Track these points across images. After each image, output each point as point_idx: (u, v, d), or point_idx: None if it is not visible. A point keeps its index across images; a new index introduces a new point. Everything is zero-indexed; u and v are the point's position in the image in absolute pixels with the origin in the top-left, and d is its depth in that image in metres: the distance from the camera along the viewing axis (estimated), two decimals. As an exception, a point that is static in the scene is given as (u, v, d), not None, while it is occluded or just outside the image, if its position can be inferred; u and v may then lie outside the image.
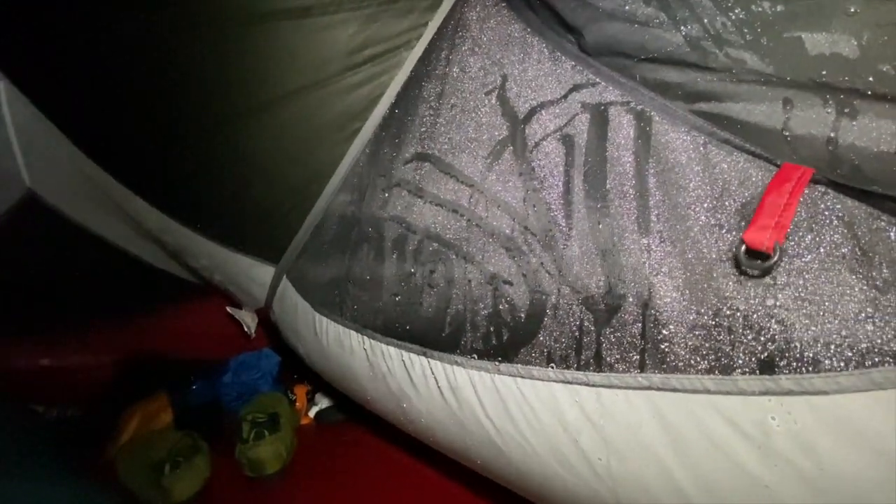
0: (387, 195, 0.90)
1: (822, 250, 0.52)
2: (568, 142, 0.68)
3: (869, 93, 0.44)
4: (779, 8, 0.45)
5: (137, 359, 1.68)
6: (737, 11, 0.47)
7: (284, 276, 1.16)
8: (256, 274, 1.21)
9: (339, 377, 1.14)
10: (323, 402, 1.69)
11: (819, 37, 0.44)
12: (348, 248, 0.97)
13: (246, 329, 1.48)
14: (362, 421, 1.57)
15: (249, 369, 1.70)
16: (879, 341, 0.49)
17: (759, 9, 0.46)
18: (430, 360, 0.84)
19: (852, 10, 0.42)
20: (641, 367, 0.62)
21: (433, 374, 0.84)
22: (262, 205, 1.09)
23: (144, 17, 0.90)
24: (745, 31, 0.48)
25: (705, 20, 0.50)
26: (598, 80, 0.66)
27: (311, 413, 1.69)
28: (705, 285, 0.57)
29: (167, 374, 1.71)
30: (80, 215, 1.34)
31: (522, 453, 0.79)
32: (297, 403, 1.69)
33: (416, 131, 0.87)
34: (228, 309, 1.50)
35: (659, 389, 0.61)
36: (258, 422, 1.56)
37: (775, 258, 0.52)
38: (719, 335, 0.56)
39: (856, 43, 0.43)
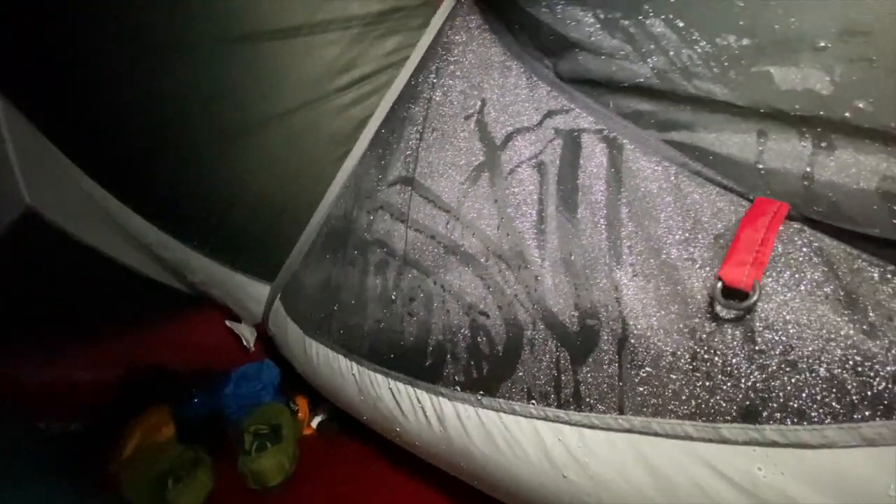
0: (372, 217, 0.88)
1: (802, 288, 0.48)
2: (542, 169, 0.64)
3: (847, 127, 0.41)
4: (744, 42, 0.41)
5: (139, 372, 1.68)
6: (703, 45, 0.43)
7: (279, 296, 1.15)
8: (252, 291, 1.21)
9: (334, 397, 1.14)
10: (325, 412, 1.68)
11: (788, 71, 0.41)
12: (335, 270, 0.96)
13: (245, 343, 1.48)
14: (365, 431, 1.55)
15: (251, 381, 1.69)
16: (870, 392, 0.45)
17: (725, 42, 0.42)
18: (416, 389, 0.82)
19: (822, 44, 0.38)
20: (620, 410, 0.59)
21: (420, 403, 0.82)
22: (255, 224, 1.09)
23: (137, 38, 0.90)
24: (712, 64, 0.44)
25: (671, 53, 0.46)
26: (572, 106, 0.63)
27: (314, 423, 1.67)
28: (681, 325, 0.53)
29: (168, 387, 1.70)
30: (80, 231, 1.34)
31: (514, 481, 0.77)
32: (300, 414, 1.68)
33: (402, 154, 0.85)
34: (227, 323, 1.50)
35: (640, 433, 0.58)
36: (260, 433, 1.56)
37: (755, 297, 0.48)
38: (698, 381, 0.53)
39: (828, 79, 0.39)
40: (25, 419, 1.56)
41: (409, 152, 0.84)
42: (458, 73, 0.79)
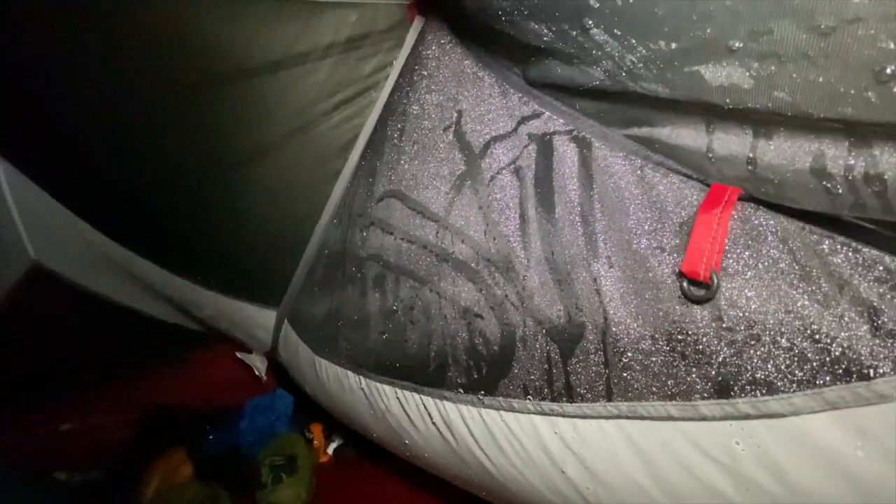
0: (365, 234, 0.92)
1: (760, 266, 0.51)
2: (520, 174, 0.69)
3: (774, 116, 0.45)
4: (673, 45, 0.46)
5: (154, 415, 1.70)
6: (640, 49, 0.48)
7: (286, 320, 1.18)
8: (260, 319, 1.24)
9: (346, 416, 1.16)
10: (341, 438, 1.70)
11: (715, 70, 0.45)
12: (336, 289, 0.99)
13: (256, 372, 1.51)
14: (381, 454, 1.56)
15: (265, 412, 1.72)
16: (828, 358, 0.48)
17: (657, 46, 0.47)
18: (422, 396, 0.85)
19: (735, 45, 0.43)
20: (609, 396, 0.62)
21: (426, 410, 0.85)
22: (256, 252, 1.13)
23: (128, 90, 0.93)
24: (651, 66, 0.48)
25: (616, 57, 0.51)
26: (542, 110, 0.68)
27: (330, 450, 1.69)
28: (655, 309, 0.57)
29: (184, 427, 1.72)
30: (86, 280, 1.37)
31: (518, 485, 0.79)
32: (315, 441, 1.70)
33: (385, 169, 0.89)
34: (238, 354, 1.53)
35: (627, 417, 0.61)
36: (276, 465, 1.58)
37: (714, 285, 0.52)
38: (674, 361, 0.56)
39: (748, 74, 0.43)
40: (44, 471, 1.58)
41: (391, 167, 0.88)
42: (433, 86, 0.83)
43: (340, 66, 0.90)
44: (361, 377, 0.97)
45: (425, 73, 0.85)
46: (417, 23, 0.94)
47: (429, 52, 0.86)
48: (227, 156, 0.98)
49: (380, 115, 0.95)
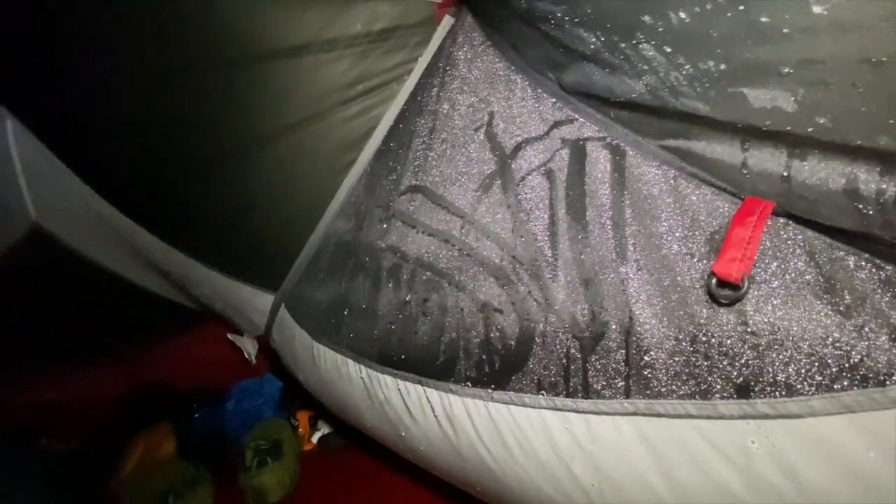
0: (385, 226, 0.93)
1: (787, 277, 0.54)
2: (551, 176, 0.71)
3: (812, 140, 0.48)
4: (722, 67, 0.48)
5: (140, 389, 1.68)
6: (687, 68, 0.50)
7: (283, 304, 1.18)
8: (256, 302, 1.24)
9: (338, 404, 1.16)
10: (326, 427, 1.70)
11: (759, 92, 0.48)
12: (345, 277, 1.00)
13: (247, 356, 1.51)
14: (366, 445, 1.57)
15: (252, 395, 1.71)
16: (847, 364, 0.51)
17: (705, 66, 0.49)
18: (425, 388, 0.86)
19: (785, 71, 0.46)
20: (627, 394, 0.64)
21: (429, 402, 0.86)
22: (260, 234, 1.13)
23: (149, 59, 0.93)
24: (695, 84, 0.51)
25: (661, 73, 0.53)
26: (576, 116, 0.70)
27: (315, 438, 1.70)
28: (681, 312, 0.59)
29: (169, 404, 1.71)
30: (84, 247, 1.35)
31: (519, 481, 0.81)
32: (300, 429, 1.70)
33: (411, 164, 0.91)
34: (229, 335, 1.52)
35: (644, 415, 0.63)
36: (261, 449, 1.57)
37: (744, 288, 0.54)
38: (697, 361, 0.58)
39: (793, 99, 0.46)
40: (26, 437, 1.56)
41: (417, 162, 0.90)
42: (464, 87, 0.85)
43: (366, 56, 0.91)
44: (362, 366, 0.98)
45: (457, 74, 0.87)
46: (446, 21, 0.95)
47: (460, 52, 0.88)
48: (244, 135, 0.99)
49: (403, 109, 0.96)
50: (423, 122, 0.91)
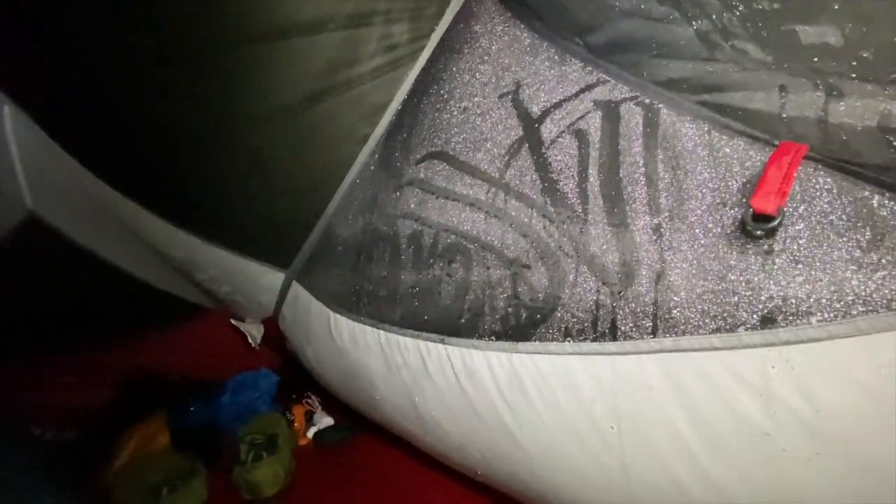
0: (398, 194, 0.97)
1: (812, 219, 0.59)
2: (582, 137, 0.76)
3: (853, 76, 0.54)
4: (775, 5, 0.54)
5: (135, 380, 1.66)
6: (741, 8, 0.56)
7: (295, 280, 1.20)
8: (266, 281, 1.26)
9: (351, 377, 1.17)
10: (321, 423, 1.69)
11: (810, 29, 0.54)
12: (363, 248, 1.03)
13: (251, 340, 1.50)
14: (361, 441, 1.58)
15: (248, 389, 1.71)
16: (863, 293, 0.56)
17: (760, 6, 0.55)
18: (447, 346, 0.89)
19: (836, 7, 0.52)
20: (654, 332, 0.68)
21: (450, 360, 0.89)
22: (273, 210, 1.14)
23: (155, 38, 0.95)
24: (748, 24, 0.57)
25: (713, 16, 0.59)
26: (607, 78, 0.75)
27: (310, 433, 1.68)
28: (712, 255, 0.64)
29: (165, 396, 1.70)
30: (80, 236, 1.34)
31: (534, 435, 0.84)
32: (296, 424, 1.69)
33: (426, 133, 0.95)
34: (233, 321, 1.52)
35: (670, 351, 0.67)
36: (256, 443, 1.55)
37: (779, 219, 0.59)
38: (725, 297, 0.63)
39: (840, 33, 0.52)
40: (19, 425, 1.52)
41: (434, 131, 0.93)
42: (486, 57, 0.89)
43: (381, 30, 0.94)
44: (381, 331, 1.00)
45: (476, 45, 0.91)
46: (460, -8, 0.99)
47: (478, 26, 0.92)
48: (258, 110, 1.00)
49: (416, 82, 1.00)
50: (441, 92, 0.94)
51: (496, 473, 1.00)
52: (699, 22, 0.61)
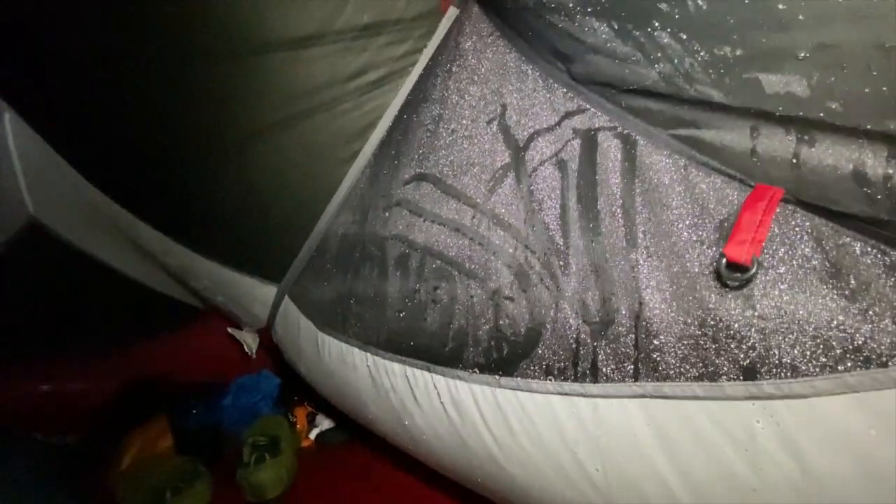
0: (387, 214, 0.95)
1: (794, 262, 0.56)
2: (562, 166, 0.73)
3: (822, 126, 0.50)
4: (738, 52, 0.51)
5: (137, 384, 1.68)
6: (702, 54, 0.53)
7: (286, 296, 1.19)
8: (258, 293, 1.24)
9: (342, 395, 1.17)
10: (323, 424, 1.71)
11: (774, 78, 0.50)
12: (351, 267, 1.01)
13: (247, 349, 1.50)
14: (363, 443, 1.58)
15: (249, 392, 1.72)
16: (851, 346, 0.53)
17: (721, 52, 0.52)
18: (433, 374, 0.88)
19: (801, 55, 0.48)
20: (635, 377, 0.66)
21: (436, 388, 0.88)
22: (263, 225, 1.13)
23: (149, 48, 0.93)
24: (710, 71, 0.53)
25: (675, 60, 0.55)
26: (587, 106, 0.72)
27: (312, 435, 1.70)
28: (690, 297, 0.61)
29: (167, 399, 1.72)
30: (82, 241, 1.36)
31: (522, 467, 0.82)
32: (298, 425, 1.70)
33: (415, 153, 0.92)
34: (229, 329, 1.52)
35: (652, 397, 0.65)
36: (259, 445, 1.57)
37: (753, 270, 0.56)
38: (705, 344, 0.60)
39: (806, 83, 0.48)
40: (22, 430, 1.55)
41: (422, 151, 0.91)
42: (474, 77, 0.86)
43: (369, 48, 0.92)
44: (368, 354, 0.99)
45: (465, 64, 0.89)
46: (451, 12, 0.97)
47: (468, 43, 0.90)
48: (245, 126, 0.99)
49: (407, 100, 0.97)
50: (429, 111, 0.92)
51: (487, 490, 0.99)
52: (661, 65, 0.57)
